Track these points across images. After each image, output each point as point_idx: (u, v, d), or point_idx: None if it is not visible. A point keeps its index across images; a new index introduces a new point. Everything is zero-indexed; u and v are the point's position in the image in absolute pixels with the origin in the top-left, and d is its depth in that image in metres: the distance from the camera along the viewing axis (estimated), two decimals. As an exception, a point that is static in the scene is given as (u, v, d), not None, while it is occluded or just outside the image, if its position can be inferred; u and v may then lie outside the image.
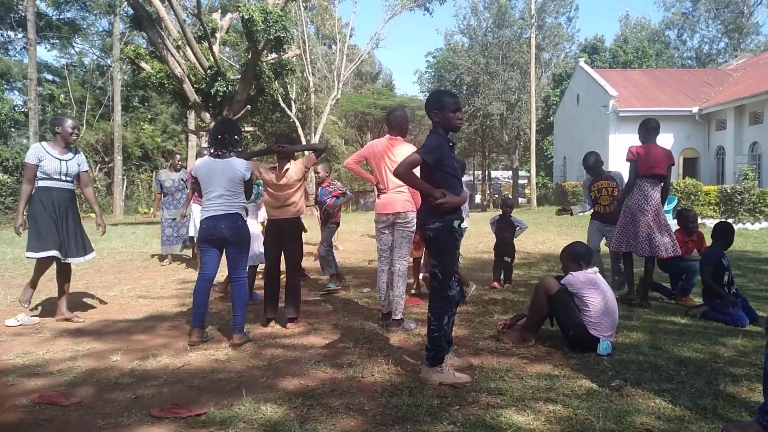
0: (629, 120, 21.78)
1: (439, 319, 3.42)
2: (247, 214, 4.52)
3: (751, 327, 4.80)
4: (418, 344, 4.25)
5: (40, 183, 4.98)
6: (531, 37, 29.23)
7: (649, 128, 5.64)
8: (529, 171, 30.80)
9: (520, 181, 40.59)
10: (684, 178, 20.31)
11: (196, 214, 7.43)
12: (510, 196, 20.85)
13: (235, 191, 4.34)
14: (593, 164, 6.30)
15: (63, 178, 5.03)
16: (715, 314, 5.02)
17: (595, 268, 4.29)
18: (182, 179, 9.06)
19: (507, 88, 35.10)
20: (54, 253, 4.93)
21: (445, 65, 39.65)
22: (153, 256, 10.06)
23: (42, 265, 5.06)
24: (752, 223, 14.93)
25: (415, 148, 4.62)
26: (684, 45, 45.93)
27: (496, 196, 38.35)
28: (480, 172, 45.57)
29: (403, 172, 3.31)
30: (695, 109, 22.41)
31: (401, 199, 4.67)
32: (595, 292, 4.08)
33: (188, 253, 9.40)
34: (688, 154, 23.02)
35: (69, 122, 5.12)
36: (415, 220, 4.56)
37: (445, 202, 3.30)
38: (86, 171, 5.33)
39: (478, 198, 39.69)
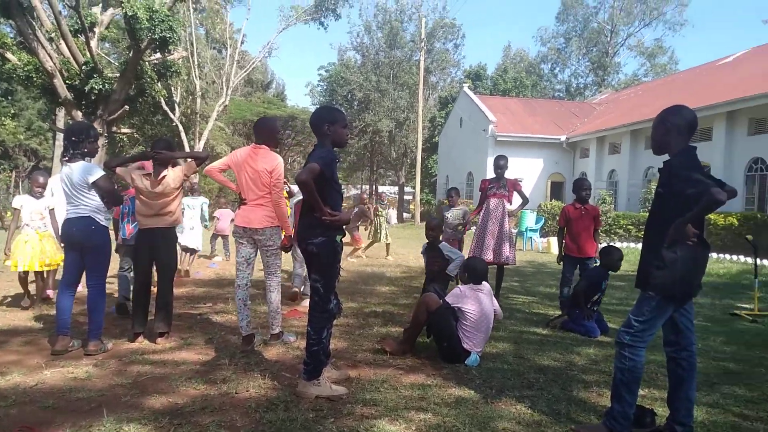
0: (506, 144, 23.26)
1: (319, 333, 3.43)
2: (105, 218, 4.33)
3: (602, 337, 5.30)
4: (297, 358, 4.23)
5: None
6: (420, 60, 30.38)
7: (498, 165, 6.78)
8: (414, 187, 31.82)
9: (406, 197, 41.72)
10: (551, 200, 22.03)
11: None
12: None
13: (84, 194, 4.23)
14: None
15: None
16: (572, 324, 5.50)
17: (486, 285, 4.53)
18: None
19: (396, 107, 36.10)
20: None
21: (337, 80, 39.95)
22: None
23: None
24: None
25: (280, 159, 4.51)
26: (556, 78, 50.02)
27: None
28: (368, 187, 46.28)
29: (306, 180, 3.21)
30: (563, 138, 24.46)
31: (261, 214, 4.42)
32: (474, 304, 4.31)
33: None
34: (555, 179, 25.03)
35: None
36: (275, 236, 4.48)
37: (336, 220, 3.33)
38: None
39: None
